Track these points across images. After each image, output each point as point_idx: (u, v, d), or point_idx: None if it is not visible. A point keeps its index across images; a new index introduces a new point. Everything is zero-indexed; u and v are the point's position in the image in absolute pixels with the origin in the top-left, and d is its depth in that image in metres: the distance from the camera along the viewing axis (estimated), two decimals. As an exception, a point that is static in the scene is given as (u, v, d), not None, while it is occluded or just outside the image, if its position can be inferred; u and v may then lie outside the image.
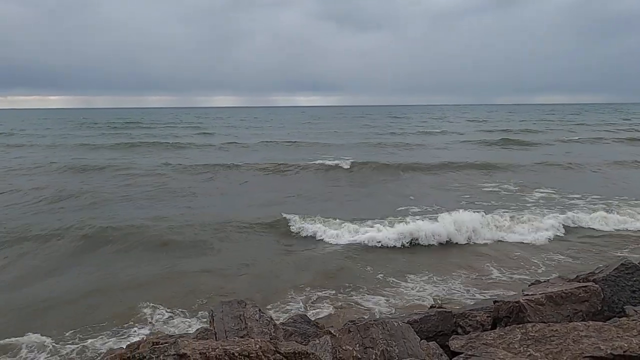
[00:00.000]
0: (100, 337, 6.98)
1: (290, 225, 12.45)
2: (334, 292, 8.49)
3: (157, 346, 3.30)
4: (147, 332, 7.09)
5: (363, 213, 13.71)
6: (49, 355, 6.54)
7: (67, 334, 7.04)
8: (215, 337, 4.18)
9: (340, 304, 8.04)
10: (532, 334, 3.92)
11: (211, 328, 4.44)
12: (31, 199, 16.36)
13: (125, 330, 7.19)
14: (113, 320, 7.49)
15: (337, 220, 12.49)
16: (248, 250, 11.08)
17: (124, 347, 5.55)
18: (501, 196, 16.63)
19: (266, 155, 28.60)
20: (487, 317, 4.84)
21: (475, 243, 11.32)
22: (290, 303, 8.10)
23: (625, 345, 3.58)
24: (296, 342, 4.20)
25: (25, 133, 54.17)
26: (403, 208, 14.58)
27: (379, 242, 11.18)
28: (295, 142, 38.01)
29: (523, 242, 11.23)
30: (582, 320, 4.31)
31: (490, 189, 17.96)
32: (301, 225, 12.35)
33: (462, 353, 3.78)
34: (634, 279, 4.84)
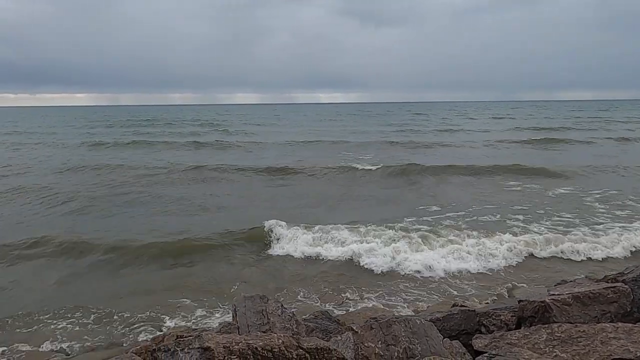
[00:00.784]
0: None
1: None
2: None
3: (182, 339, 3.36)
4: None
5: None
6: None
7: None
8: (239, 332, 4.22)
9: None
10: (559, 335, 3.84)
11: (234, 322, 4.49)
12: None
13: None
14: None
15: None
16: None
17: (149, 340, 5.67)
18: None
19: (285, 155, 28.50)
20: (512, 316, 4.76)
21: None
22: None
23: (656, 347, 3.47)
24: (317, 338, 4.20)
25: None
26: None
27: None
28: (319, 140, 37.98)
29: None
30: (610, 322, 4.19)
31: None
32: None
33: (485, 352, 3.72)
34: (666, 280, 4.68)
